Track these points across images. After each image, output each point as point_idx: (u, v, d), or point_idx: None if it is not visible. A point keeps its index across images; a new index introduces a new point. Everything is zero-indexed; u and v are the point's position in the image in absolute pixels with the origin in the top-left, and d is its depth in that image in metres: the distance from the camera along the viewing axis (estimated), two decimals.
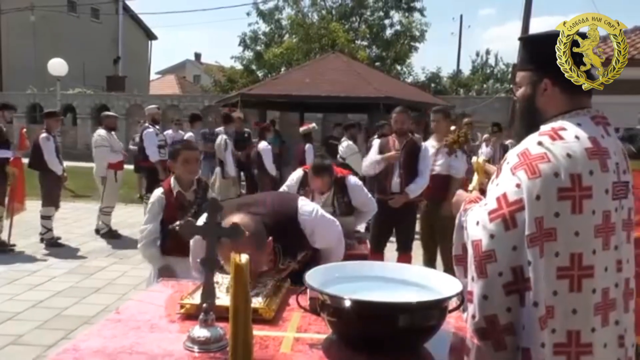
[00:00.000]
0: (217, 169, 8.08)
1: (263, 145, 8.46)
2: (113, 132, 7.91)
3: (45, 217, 7.04)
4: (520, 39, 1.78)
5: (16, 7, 25.03)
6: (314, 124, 9.64)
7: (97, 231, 7.75)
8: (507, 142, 9.18)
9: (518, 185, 1.51)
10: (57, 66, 13.11)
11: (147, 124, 8.12)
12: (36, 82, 22.67)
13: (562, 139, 1.54)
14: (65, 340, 3.91)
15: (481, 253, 1.54)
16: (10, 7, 25.28)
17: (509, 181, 1.55)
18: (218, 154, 7.97)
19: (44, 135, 6.96)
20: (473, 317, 1.57)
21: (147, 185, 8.11)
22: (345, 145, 8.56)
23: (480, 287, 1.55)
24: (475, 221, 1.60)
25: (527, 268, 1.50)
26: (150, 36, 33.59)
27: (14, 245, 6.73)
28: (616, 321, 1.58)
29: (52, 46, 22.93)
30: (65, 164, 12.81)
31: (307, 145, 8.40)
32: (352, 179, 4.03)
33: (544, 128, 1.60)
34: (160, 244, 3.33)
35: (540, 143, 1.54)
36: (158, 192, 3.30)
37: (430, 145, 5.30)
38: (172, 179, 3.31)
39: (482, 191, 1.87)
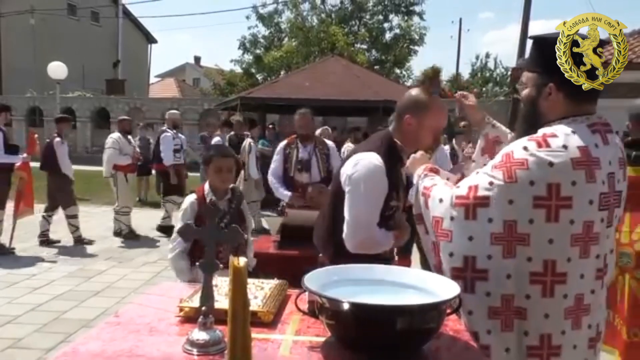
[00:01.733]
0: (241, 172, 8.15)
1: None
2: (129, 136, 8.04)
3: (72, 217, 7.23)
4: (532, 37, 1.77)
5: (16, 10, 25.08)
6: (327, 127, 9.67)
7: (118, 233, 7.85)
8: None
9: (491, 184, 1.56)
10: (57, 69, 13.15)
11: (165, 128, 8.29)
12: (36, 85, 22.70)
13: (549, 146, 1.52)
14: (65, 343, 3.91)
15: (439, 230, 1.65)
16: (10, 10, 25.33)
17: (484, 176, 1.59)
18: (242, 156, 8.06)
19: (57, 139, 7.11)
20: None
21: (163, 188, 8.37)
22: (346, 147, 8.65)
23: (432, 259, 1.75)
24: (439, 198, 1.68)
25: (483, 260, 1.57)
26: (150, 39, 33.64)
27: (13, 248, 6.74)
28: (589, 325, 1.61)
29: (52, 49, 22.96)
30: None
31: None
32: (333, 145, 4.81)
33: (537, 133, 1.60)
34: (189, 251, 3.11)
35: (525, 148, 1.54)
36: (191, 198, 3.10)
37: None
38: (206, 186, 3.09)
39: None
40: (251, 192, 8.00)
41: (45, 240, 7.13)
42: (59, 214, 7.36)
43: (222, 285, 1.79)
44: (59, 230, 7.46)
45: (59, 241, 7.24)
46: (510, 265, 1.54)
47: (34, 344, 3.96)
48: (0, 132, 6.43)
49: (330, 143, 4.83)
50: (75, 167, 7.57)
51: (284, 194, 4.63)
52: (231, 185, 3.12)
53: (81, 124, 22.06)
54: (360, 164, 2.09)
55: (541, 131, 1.59)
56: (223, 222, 2.92)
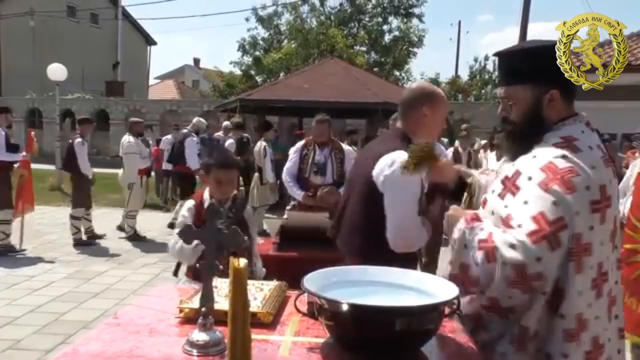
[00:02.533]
0: (256, 175, 8.17)
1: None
2: (140, 138, 8.16)
3: (75, 218, 7.38)
4: (510, 52, 1.68)
5: (16, 12, 25.10)
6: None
7: (121, 228, 8.06)
8: None
9: (555, 203, 1.44)
10: (57, 71, 13.13)
11: (188, 131, 8.44)
12: (35, 87, 22.71)
13: (581, 150, 1.52)
14: (64, 344, 3.91)
15: (528, 277, 1.45)
16: (9, 12, 25.35)
17: (542, 198, 1.47)
18: (257, 160, 8.11)
19: (78, 140, 7.32)
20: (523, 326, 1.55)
21: (181, 191, 8.52)
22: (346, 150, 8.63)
23: (524, 301, 1.51)
24: (509, 244, 1.46)
25: (563, 280, 1.49)
26: (150, 41, 33.66)
27: (24, 250, 6.82)
28: (616, 315, 1.62)
29: (52, 51, 22.96)
30: None
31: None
32: (347, 146, 5.00)
33: (553, 138, 1.57)
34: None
35: (565, 156, 1.50)
36: (189, 204, 2.98)
37: None
38: (205, 192, 2.96)
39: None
40: (267, 196, 8.02)
41: (79, 239, 7.38)
42: (59, 217, 7.36)
43: (221, 286, 1.79)
44: (57, 232, 7.45)
45: (104, 235, 7.71)
46: (580, 281, 1.49)
47: (34, 345, 3.96)
48: (2, 132, 6.52)
49: (346, 148, 4.99)
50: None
51: (297, 193, 4.80)
52: (233, 192, 2.95)
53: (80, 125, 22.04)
54: (397, 163, 2.07)
55: (556, 136, 1.57)
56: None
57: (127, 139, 7.92)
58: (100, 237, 7.72)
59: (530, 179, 1.51)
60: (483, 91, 28.43)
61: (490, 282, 1.52)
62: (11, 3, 25.81)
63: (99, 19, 30.06)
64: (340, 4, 27.85)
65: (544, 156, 1.53)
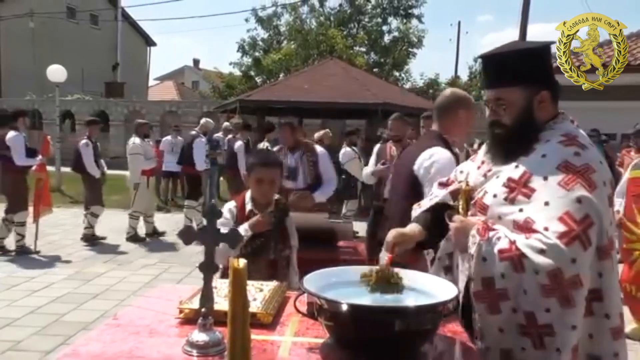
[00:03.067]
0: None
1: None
2: (146, 139, 8.20)
3: (94, 215, 7.66)
4: (500, 54, 1.66)
5: (15, 14, 25.10)
6: (327, 130, 9.59)
7: (133, 230, 8.10)
8: None
9: (579, 201, 1.42)
10: (56, 72, 13.14)
11: (195, 132, 8.51)
12: (35, 88, 22.70)
13: (586, 147, 1.53)
14: (64, 346, 3.91)
15: (564, 282, 1.39)
16: (9, 14, 25.35)
17: (565, 198, 1.43)
18: None
19: (83, 141, 7.54)
20: (558, 350, 1.43)
21: (188, 192, 8.69)
22: (343, 151, 8.62)
23: (568, 317, 1.41)
24: (538, 249, 1.40)
25: (595, 279, 1.47)
26: (149, 42, 33.66)
27: (38, 251, 6.89)
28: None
29: (51, 52, 22.96)
30: (63, 170, 12.89)
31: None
32: (320, 148, 4.76)
33: (554, 137, 1.56)
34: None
35: (577, 154, 1.49)
36: (230, 205, 2.83)
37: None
38: (247, 195, 2.81)
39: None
40: None
41: (91, 236, 7.64)
42: (58, 218, 7.37)
43: (221, 287, 1.80)
44: (56, 233, 7.45)
45: (104, 238, 7.77)
46: (614, 277, 1.49)
47: (33, 346, 3.96)
48: (22, 136, 6.70)
49: (319, 149, 4.68)
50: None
51: None
52: (276, 197, 2.80)
53: (80, 127, 22.03)
54: (435, 156, 2.47)
55: (561, 135, 1.56)
56: (260, 239, 2.63)
57: (133, 140, 8.00)
58: (102, 238, 7.79)
59: (546, 179, 1.47)
60: (482, 92, 28.42)
61: (521, 295, 1.44)
62: (11, 4, 25.81)
63: (98, 20, 30.06)
64: (340, 5, 27.87)
65: (556, 154, 1.50)
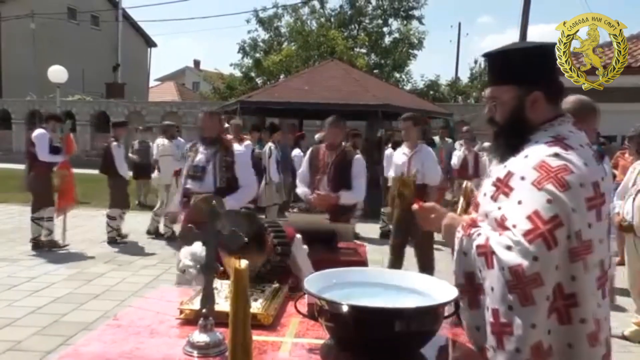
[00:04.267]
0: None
1: (296, 152, 8.53)
2: (173, 140, 8.28)
3: (112, 218, 7.67)
4: (497, 53, 1.68)
5: (16, 15, 25.14)
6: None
7: (153, 232, 8.21)
8: None
9: (549, 201, 1.42)
10: (57, 73, 13.10)
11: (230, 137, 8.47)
12: (36, 89, 22.73)
13: (573, 148, 1.51)
14: (64, 346, 3.91)
15: (524, 278, 1.39)
16: (10, 15, 25.40)
17: (536, 197, 1.44)
18: (263, 161, 8.18)
19: (114, 143, 7.62)
20: (517, 350, 1.41)
21: None
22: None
23: (527, 316, 1.40)
24: (505, 245, 1.43)
25: (569, 283, 1.45)
26: (150, 43, 33.70)
27: (67, 245, 7.20)
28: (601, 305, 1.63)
29: (52, 53, 22.99)
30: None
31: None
32: (240, 147, 4.25)
33: (542, 138, 1.57)
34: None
35: (557, 155, 1.49)
36: None
37: (401, 152, 5.35)
38: None
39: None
40: (273, 196, 8.07)
41: (113, 238, 7.64)
42: (59, 219, 7.38)
43: (221, 288, 1.80)
44: (57, 234, 7.45)
45: (126, 236, 7.81)
46: (588, 280, 1.46)
47: (34, 346, 3.96)
48: (46, 134, 6.95)
49: (238, 148, 4.10)
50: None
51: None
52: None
53: (81, 127, 22.06)
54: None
55: (546, 136, 1.57)
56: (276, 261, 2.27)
57: (162, 141, 8.16)
58: (125, 236, 7.88)
59: (523, 178, 1.49)
60: (483, 93, 28.40)
61: (490, 291, 1.46)
62: (12, 5, 25.85)
63: (99, 21, 30.10)
64: (341, 6, 27.92)
65: (536, 155, 1.51)
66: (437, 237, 7.07)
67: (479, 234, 1.52)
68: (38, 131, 6.95)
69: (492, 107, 1.68)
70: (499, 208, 1.52)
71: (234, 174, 3.92)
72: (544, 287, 1.40)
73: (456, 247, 1.58)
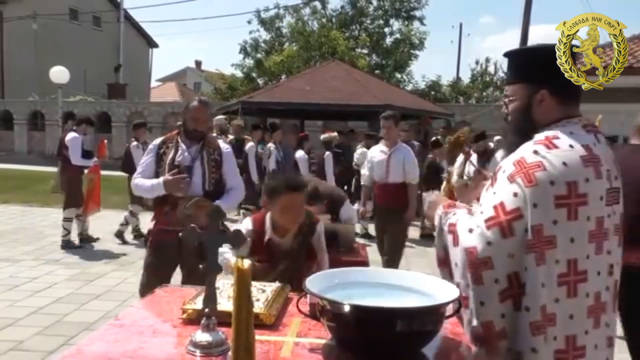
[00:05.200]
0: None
1: (299, 154, 8.53)
2: None
3: (133, 214, 7.94)
4: (511, 53, 1.77)
5: (18, 15, 25.18)
6: (335, 133, 9.44)
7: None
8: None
9: (515, 194, 1.53)
10: (59, 74, 13.17)
11: (214, 135, 8.40)
12: (38, 90, 22.77)
13: (557, 147, 1.55)
14: (66, 346, 3.92)
15: (477, 260, 1.54)
16: (12, 15, 25.44)
17: (506, 189, 1.56)
18: (264, 161, 8.21)
19: (134, 143, 7.88)
20: (469, 322, 1.59)
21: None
22: (359, 152, 8.81)
23: (477, 294, 1.56)
24: (468, 228, 1.59)
25: (523, 274, 1.52)
26: (151, 44, 33.73)
27: (97, 238, 7.67)
28: (606, 323, 1.61)
29: (54, 54, 23.04)
30: None
31: (327, 153, 8.47)
32: (226, 144, 3.68)
33: (538, 137, 1.62)
34: None
35: (536, 152, 1.55)
36: (247, 224, 2.56)
37: (379, 150, 5.34)
38: (267, 218, 2.54)
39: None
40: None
41: (139, 235, 7.89)
42: (61, 219, 7.40)
43: (224, 287, 1.81)
44: (59, 234, 7.47)
45: (142, 236, 7.81)
46: (542, 273, 1.50)
47: (35, 346, 3.97)
48: (79, 138, 7.22)
49: (224, 146, 3.56)
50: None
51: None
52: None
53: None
54: None
55: (542, 135, 1.61)
56: (283, 263, 2.45)
57: None
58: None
59: (504, 172, 1.59)
60: (484, 93, 28.44)
61: (454, 266, 1.64)
62: (14, 6, 25.89)
63: (101, 22, 30.13)
64: (342, 7, 27.93)
65: (520, 151, 1.60)
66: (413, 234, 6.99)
67: (454, 214, 1.71)
68: (71, 135, 7.21)
69: (506, 105, 1.76)
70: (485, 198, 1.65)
71: (222, 175, 3.41)
72: (493, 271, 1.53)
73: (436, 223, 1.77)
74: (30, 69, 24.48)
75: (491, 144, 9.39)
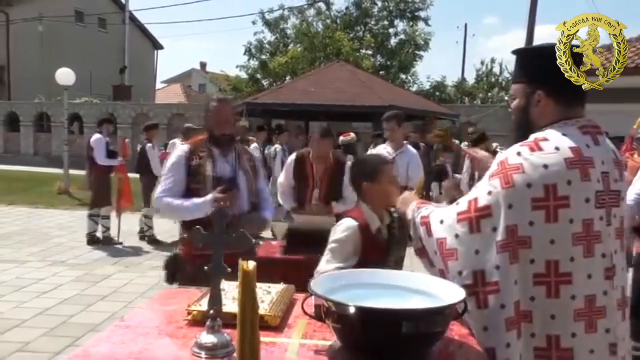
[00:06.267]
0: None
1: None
2: None
3: (148, 217, 8.06)
4: (514, 51, 1.79)
5: (24, 17, 25.31)
6: (353, 134, 9.22)
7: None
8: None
9: (489, 193, 1.57)
10: (65, 75, 13.22)
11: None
12: (43, 91, 22.86)
13: (541, 149, 1.56)
14: (73, 347, 3.94)
15: (444, 250, 1.64)
16: (18, 17, 25.58)
17: (482, 187, 1.61)
18: (268, 161, 8.24)
19: (149, 144, 8.00)
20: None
21: None
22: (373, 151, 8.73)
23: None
24: (439, 220, 1.68)
25: (491, 272, 1.55)
26: (157, 46, 33.83)
27: (121, 242, 7.74)
28: (606, 329, 1.58)
29: (60, 55, 23.13)
30: (71, 172, 12.99)
31: (349, 156, 8.40)
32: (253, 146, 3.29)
33: (529, 139, 1.63)
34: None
35: (519, 153, 1.57)
36: (349, 224, 2.35)
37: (384, 151, 5.27)
38: (364, 208, 2.40)
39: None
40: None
41: (148, 236, 8.00)
42: (66, 219, 7.43)
43: (228, 289, 1.81)
44: (64, 235, 7.50)
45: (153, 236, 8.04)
46: (515, 271, 1.54)
47: (42, 347, 3.99)
48: (103, 139, 7.58)
49: (252, 150, 3.23)
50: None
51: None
52: None
53: (88, 129, 22.15)
54: None
55: (533, 136, 1.63)
56: (390, 258, 2.36)
57: (177, 142, 8.35)
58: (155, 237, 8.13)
59: (490, 170, 1.63)
60: (489, 94, 28.39)
61: (432, 255, 1.72)
62: (20, 8, 26.03)
63: (106, 24, 30.25)
64: (346, 8, 27.95)
65: (507, 151, 1.63)
66: None
67: (426, 208, 1.81)
68: (95, 136, 7.62)
69: (510, 104, 1.78)
70: None
71: (257, 184, 3.03)
72: (457, 262, 1.61)
73: (409, 216, 1.86)
74: (36, 70, 24.60)
75: (494, 144, 9.37)
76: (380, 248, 2.37)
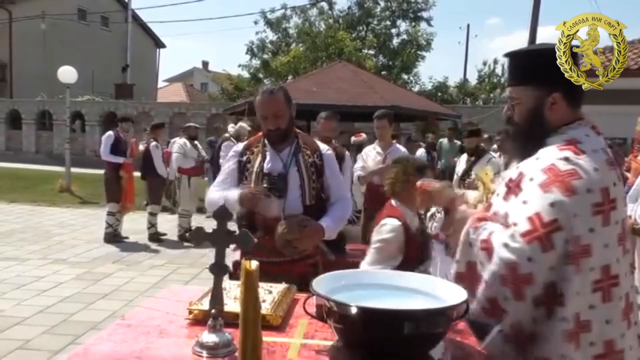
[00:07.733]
0: None
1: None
2: (196, 142, 8.55)
3: (153, 215, 8.16)
4: (516, 53, 1.72)
5: (27, 15, 25.35)
6: (364, 135, 9.19)
7: (182, 236, 8.31)
8: None
9: (552, 204, 1.45)
10: (67, 74, 13.23)
11: (227, 135, 8.61)
12: (46, 89, 22.91)
13: (584, 152, 1.52)
14: (73, 345, 3.94)
15: (519, 276, 1.46)
16: (21, 15, 25.62)
17: (540, 199, 1.47)
18: None
19: (154, 144, 8.07)
20: (501, 331, 1.56)
21: None
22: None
23: (516, 310, 1.51)
24: (503, 243, 1.49)
25: (561, 284, 1.48)
26: (159, 44, 33.87)
27: (127, 237, 7.93)
28: (635, 322, 1.61)
29: (62, 54, 23.16)
30: (73, 170, 13.00)
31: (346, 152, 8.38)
32: (325, 145, 2.94)
33: (556, 142, 1.58)
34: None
35: (567, 159, 1.50)
36: (394, 223, 2.37)
37: (374, 151, 5.25)
38: (403, 209, 2.41)
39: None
40: None
41: (151, 234, 8.07)
42: (67, 218, 7.43)
43: (230, 288, 1.81)
44: (65, 233, 7.51)
45: (164, 234, 8.19)
46: (578, 281, 1.48)
47: (42, 345, 3.99)
48: (112, 136, 7.64)
49: (324, 147, 2.85)
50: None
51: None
52: None
53: (90, 127, 22.23)
54: None
55: (560, 139, 1.58)
56: (427, 254, 2.41)
57: (178, 140, 8.62)
58: (162, 234, 8.23)
59: (532, 179, 1.52)
60: (492, 95, 28.36)
61: (492, 282, 1.54)
62: (23, 6, 26.08)
63: (109, 22, 30.30)
64: (349, 8, 27.95)
65: (547, 158, 1.54)
66: None
67: (485, 229, 1.58)
68: (107, 133, 7.78)
69: (511, 107, 1.71)
70: (507, 207, 1.58)
71: (323, 184, 2.67)
72: (534, 286, 1.47)
73: (462, 238, 1.64)
74: (39, 68, 24.64)
75: (495, 145, 9.34)
76: (419, 247, 2.42)
